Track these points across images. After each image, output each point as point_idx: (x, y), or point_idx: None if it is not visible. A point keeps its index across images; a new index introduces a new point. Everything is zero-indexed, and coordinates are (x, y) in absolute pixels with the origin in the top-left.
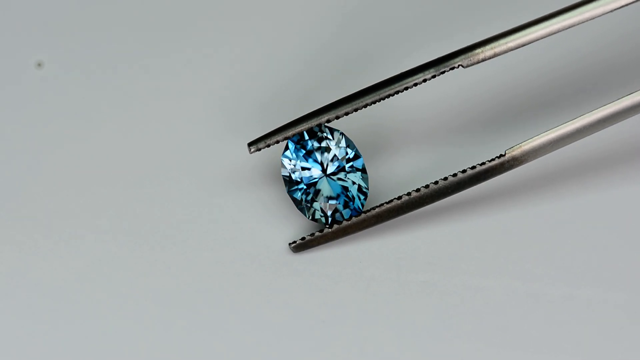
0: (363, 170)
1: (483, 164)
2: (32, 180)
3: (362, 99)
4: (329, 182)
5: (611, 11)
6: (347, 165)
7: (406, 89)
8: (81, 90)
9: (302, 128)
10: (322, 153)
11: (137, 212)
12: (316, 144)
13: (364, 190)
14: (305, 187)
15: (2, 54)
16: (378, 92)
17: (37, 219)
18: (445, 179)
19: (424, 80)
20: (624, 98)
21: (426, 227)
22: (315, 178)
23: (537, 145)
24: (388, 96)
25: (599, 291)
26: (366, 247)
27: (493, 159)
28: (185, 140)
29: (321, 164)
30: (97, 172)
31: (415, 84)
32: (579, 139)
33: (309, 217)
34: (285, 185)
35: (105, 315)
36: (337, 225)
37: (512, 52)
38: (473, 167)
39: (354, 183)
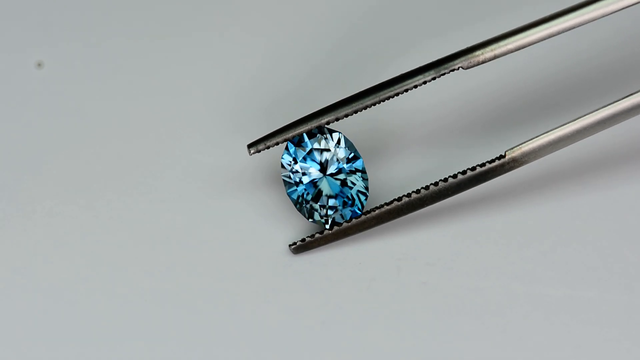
0: (363, 172)
1: (483, 165)
2: (32, 180)
3: (361, 101)
4: (328, 184)
5: (611, 13)
6: (346, 167)
7: (406, 91)
8: (81, 91)
9: (302, 130)
10: (321, 154)
11: (137, 212)
12: (316, 146)
13: (364, 191)
14: (305, 188)
15: (2, 54)
16: (378, 94)
17: (36, 219)
18: (445, 180)
19: (424, 82)
20: (623, 99)
21: (426, 228)
22: (315, 179)
23: (537, 147)
24: (388, 98)
25: (599, 291)
26: (366, 248)
27: (493, 160)
28: (185, 142)
29: (321, 165)
30: (97, 172)
31: (415, 86)
32: (579, 140)
33: (308, 218)
34: (285, 186)
35: (105, 316)
36: (337, 227)
37: (512, 54)
38: (473, 169)
39: (353, 184)
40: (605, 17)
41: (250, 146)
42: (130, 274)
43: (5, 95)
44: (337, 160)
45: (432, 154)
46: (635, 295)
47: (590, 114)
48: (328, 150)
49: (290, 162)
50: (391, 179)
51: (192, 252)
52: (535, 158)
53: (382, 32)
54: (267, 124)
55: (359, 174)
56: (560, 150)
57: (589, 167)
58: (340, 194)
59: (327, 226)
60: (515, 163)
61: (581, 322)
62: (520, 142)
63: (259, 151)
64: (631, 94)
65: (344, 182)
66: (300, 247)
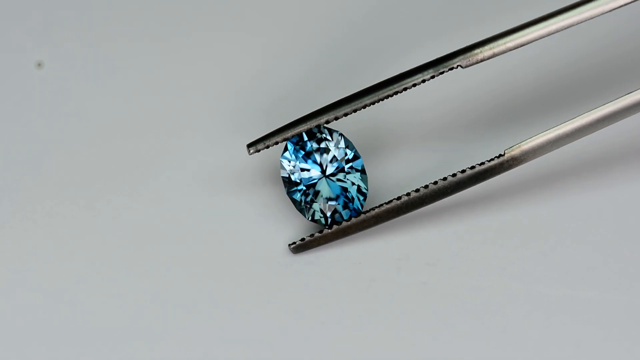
0: (362, 171)
1: (482, 163)
2: (32, 181)
3: (361, 100)
4: (328, 183)
5: (610, 11)
6: (346, 166)
7: (405, 89)
8: (81, 91)
9: (301, 129)
10: (321, 154)
11: (137, 212)
12: (315, 145)
13: (364, 191)
14: (304, 188)
15: (2, 54)
16: (377, 93)
17: (36, 220)
18: (445, 179)
19: (423, 81)
20: (622, 97)
21: (426, 227)
22: (315, 179)
23: (537, 145)
24: (387, 97)
25: (599, 291)
26: (366, 248)
27: (492, 159)
28: (184, 142)
29: (320, 165)
30: (97, 172)
31: (414, 85)
32: (578, 139)
33: (308, 218)
34: (285, 186)
35: (105, 316)
36: (337, 226)
37: (510, 52)
38: (472, 167)
39: (353, 184)
40: (605, 15)
41: (249, 146)
42: (130, 274)
43: (5, 95)
44: (337, 159)
45: (432, 152)
46: (635, 295)
47: (590, 112)
48: (327, 149)
49: (290, 161)
50: (391, 178)
51: (191, 252)
52: (534, 156)
53: (381, 31)
54: (267, 124)
55: (359, 173)
56: (560, 149)
57: (589, 166)
58: (340, 193)
59: (327, 226)
60: (514, 161)
61: (581, 322)
62: (519, 141)
63: (258, 151)
64: (631, 92)
65: (343, 182)
66: (300, 247)
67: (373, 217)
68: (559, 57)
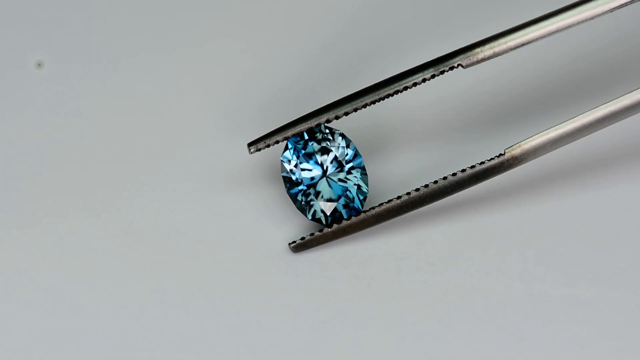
0: (362, 170)
1: (483, 163)
2: (32, 181)
3: (361, 99)
4: (328, 182)
5: (610, 10)
6: (346, 165)
7: (406, 88)
8: (81, 90)
9: (302, 128)
10: (321, 153)
11: (138, 211)
12: (316, 144)
13: (364, 190)
14: (305, 187)
15: (2, 54)
16: (378, 92)
17: (37, 219)
18: (445, 178)
19: (424, 80)
20: (623, 97)
21: (426, 226)
22: (315, 178)
23: (537, 145)
24: (388, 96)
25: (599, 291)
26: (366, 247)
27: (493, 158)
28: (185, 141)
29: (321, 164)
30: (97, 172)
31: (415, 84)
32: (579, 138)
33: (308, 217)
34: (285, 185)
35: (104, 315)
36: (337, 225)
37: (511, 51)
38: (473, 167)
39: (353, 183)
40: (606, 15)
41: (250, 145)
42: (130, 273)
43: (5, 95)
44: (337, 158)
45: (432, 152)
46: (635, 295)
47: (590, 112)
48: (328, 148)
49: (290, 160)
50: (391, 176)
51: (192, 251)
52: (535, 156)
53: (382, 30)
54: (267, 123)
55: (359, 172)
56: (561, 148)
57: (589, 165)
58: (340, 192)
59: (327, 224)
60: (515, 161)
61: (581, 322)
62: (520, 140)
63: (259, 149)
64: (631, 91)
65: (343, 180)
66: (300, 246)
67: (373, 216)
68: (559, 56)
